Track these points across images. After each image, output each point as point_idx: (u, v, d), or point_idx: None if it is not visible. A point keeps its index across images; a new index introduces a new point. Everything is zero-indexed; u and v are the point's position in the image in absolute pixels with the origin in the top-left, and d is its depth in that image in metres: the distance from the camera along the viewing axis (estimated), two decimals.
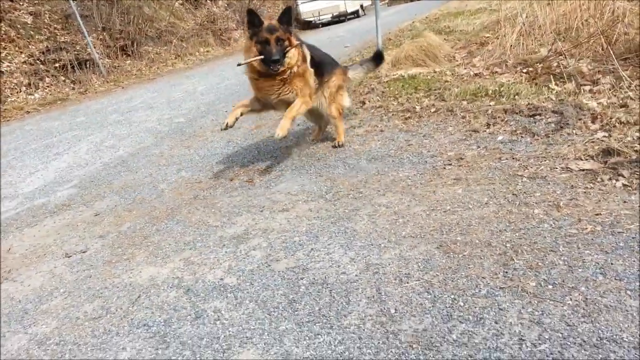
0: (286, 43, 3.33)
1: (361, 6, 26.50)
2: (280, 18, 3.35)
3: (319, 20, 23.89)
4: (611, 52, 4.04)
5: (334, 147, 3.98)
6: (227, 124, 3.47)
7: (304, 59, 3.58)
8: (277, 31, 3.29)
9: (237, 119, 3.57)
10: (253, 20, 3.34)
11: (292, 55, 3.40)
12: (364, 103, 5.09)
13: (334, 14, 23.71)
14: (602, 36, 4.42)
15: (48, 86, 11.28)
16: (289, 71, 3.43)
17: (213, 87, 8.74)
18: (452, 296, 1.85)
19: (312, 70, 3.65)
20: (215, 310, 2.07)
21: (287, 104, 3.56)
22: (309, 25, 24.58)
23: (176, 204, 3.41)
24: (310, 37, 17.53)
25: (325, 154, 3.85)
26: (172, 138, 5.38)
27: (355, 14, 25.43)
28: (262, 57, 3.30)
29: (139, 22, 14.70)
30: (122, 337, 2.02)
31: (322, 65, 3.84)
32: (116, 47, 13.75)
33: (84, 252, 2.90)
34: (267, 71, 3.37)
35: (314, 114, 4.16)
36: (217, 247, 2.64)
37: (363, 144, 3.91)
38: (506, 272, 1.93)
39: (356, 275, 2.12)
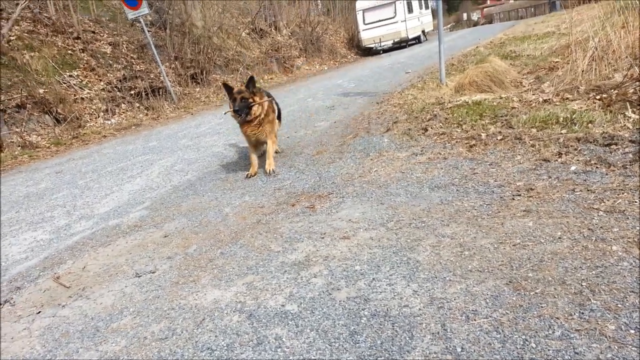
0: (250, 100, 4.55)
1: (423, 32, 26.50)
2: (247, 85, 4.58)
3: (380, 46, 24.09)
4: None
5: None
6: (250, 175, 4.84)
7: (273, 110, 4.93)
8: (242, 92, 4.55)
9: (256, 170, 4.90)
10: (227, 89, 4.67)
11: (256, 108, 4.61)
12: (426, 130, 5.03)
13: (395, 40, 23.83)
14: None
15: (124, 112, 12.07)
16: (258, 119, 4.65)
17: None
18: (524, 337, 1.76)
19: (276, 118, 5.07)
20: (276, 337, 2.08)
21: (262, 143, 4.94)
22: (369, 52, 24.87)
23: (240, 228, 3.50)
24: (371, 63, 17.70)
25: (386, 181, 3.82)
26: (237, 163, 5.56)
27: (417, 40, 25.43)
28: (234, 109, 4.55)
29: (208, 52, 15.50)
30: (187, 359, 2.07)
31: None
32: (187, 75, 14.54)
33: (153, 272, 3.03)
34: (239, 120, 4.64)
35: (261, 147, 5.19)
36: (278, 273, 2.67)
37: (425, 171, 3.85)
38: (582, 313, 1.81)
39: (419, 309, 2.06)
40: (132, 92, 12.59)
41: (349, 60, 23.76)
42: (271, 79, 18.10)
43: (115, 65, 12.98)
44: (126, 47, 13.97)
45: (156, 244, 3.51)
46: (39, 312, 2.80)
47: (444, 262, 2.41)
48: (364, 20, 24.51)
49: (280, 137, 6.46)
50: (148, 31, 13.03)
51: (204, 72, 15.09)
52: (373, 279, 2.40)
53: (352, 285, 2.38)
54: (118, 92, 12.29)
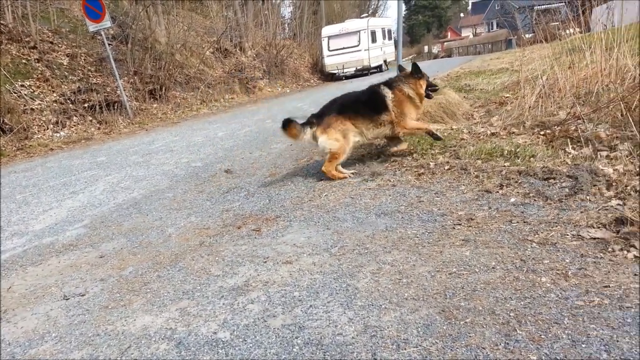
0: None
1: (385, 61, 27.29)
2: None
3: (343, 73, 24.58)
4: (630, 118, 3.99)
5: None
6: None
7: None
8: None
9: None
10: (418, 68, 4.84)
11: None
12: (378, 156, 5.09)
13: (358, 68, 24.43)
14: (622, 102, 4.37)
15: (75, 125, 11.67)
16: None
17: (233, 133, 8.90)
18: None
19: None
20: None
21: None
22: (332, 78, 25.29)
23: (181, 250, 3.38)
24: (333, 89, 17.94)
25: (335, 206, 3.81)
26: (187, 182, 5.43)
27: (379, 69, 26.12)
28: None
29: (169, 68, 15.30)
30: None
31: None
32: (145, 90, 14.28)
33: (82, 295, 2.87)
34: (426, 96, 4.96)
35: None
36: (215, 298, 2.58)
37: (374, 198, 3.86)
38: (507, 344, 1.82)
39: (353, 338, 2.02)
40: (86, 105, 12.22)
41: (311, 85, 24.06)
42: (232, 98, 18.02)
43: (70, 77, 12.63)
44: (84, 60, 13.64)
45: (90, 265, 3.34)
46: None
47: (382, 289, 2.40)
48: (328, 46, 25.01)
49: (234, 157, 6.40)
50: (109, 44, 12.77)
51: (163, 89, 14.87)
52: (310, 305, 2.36)
53: (288, 312, 2.33)
54: (71, 105, 11.91)
